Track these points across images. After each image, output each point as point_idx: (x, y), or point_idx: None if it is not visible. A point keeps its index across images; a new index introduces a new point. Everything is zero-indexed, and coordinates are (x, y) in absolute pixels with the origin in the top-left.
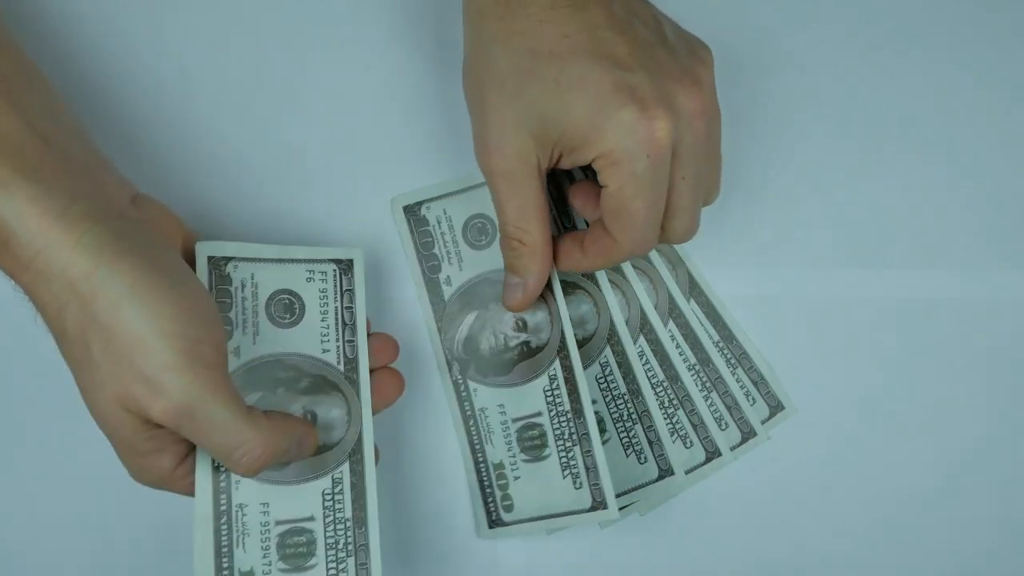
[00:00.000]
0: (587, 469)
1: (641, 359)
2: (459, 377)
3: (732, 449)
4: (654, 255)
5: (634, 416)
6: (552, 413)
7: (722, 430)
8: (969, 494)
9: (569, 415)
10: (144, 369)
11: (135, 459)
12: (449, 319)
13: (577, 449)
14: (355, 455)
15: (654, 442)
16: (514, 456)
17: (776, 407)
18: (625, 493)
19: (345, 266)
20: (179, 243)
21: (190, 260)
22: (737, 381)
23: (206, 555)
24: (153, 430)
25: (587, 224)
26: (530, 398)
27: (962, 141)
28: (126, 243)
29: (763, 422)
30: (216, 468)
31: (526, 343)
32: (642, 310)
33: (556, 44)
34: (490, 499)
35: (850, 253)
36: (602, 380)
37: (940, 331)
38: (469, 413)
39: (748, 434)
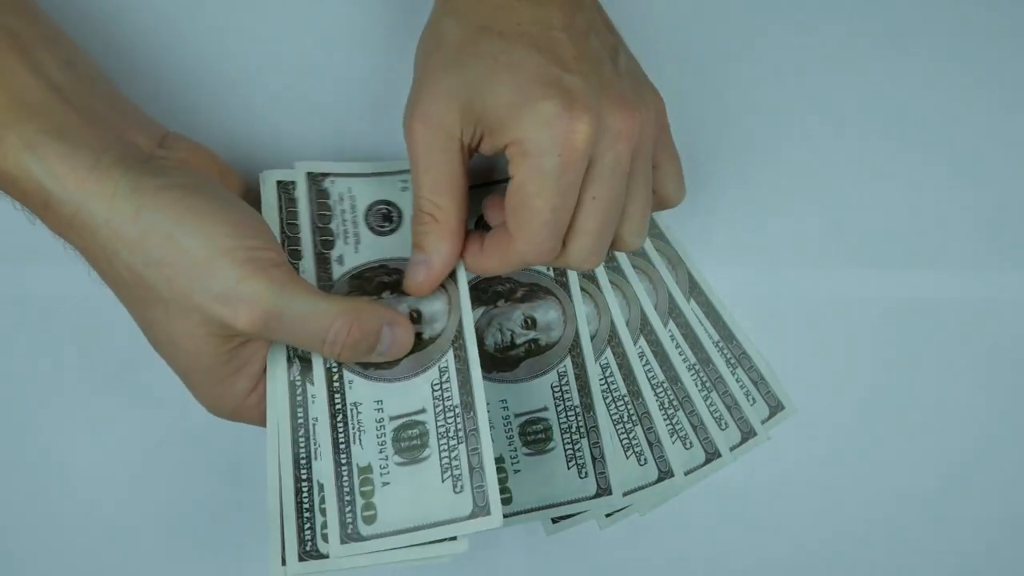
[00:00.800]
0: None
1: (641, 360)
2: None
3: (732, 449)
4: (654, 255)
5: (634, 418)
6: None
7: (722, 430)
8: (969, 494)
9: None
10: (219, 288)
11: (214, 387)
12: None
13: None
14: (457, 341)
15: (654, 443)
16: (516, 450)
17: (776, 407)
18: (625, 494)
19: None
20: (215, 175)
21: (235, 191)
22: (737, 381)
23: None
24: (233, 350)
25: None
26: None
27: (962, 141)
28: (162, 180)
29: (763, 422)
30: (329, 369)
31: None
32: (642, 310)
33: (507, 27)
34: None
35: (850, 253)
36: (602, 382)
37: (940, 331)
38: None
39: (748, 434)
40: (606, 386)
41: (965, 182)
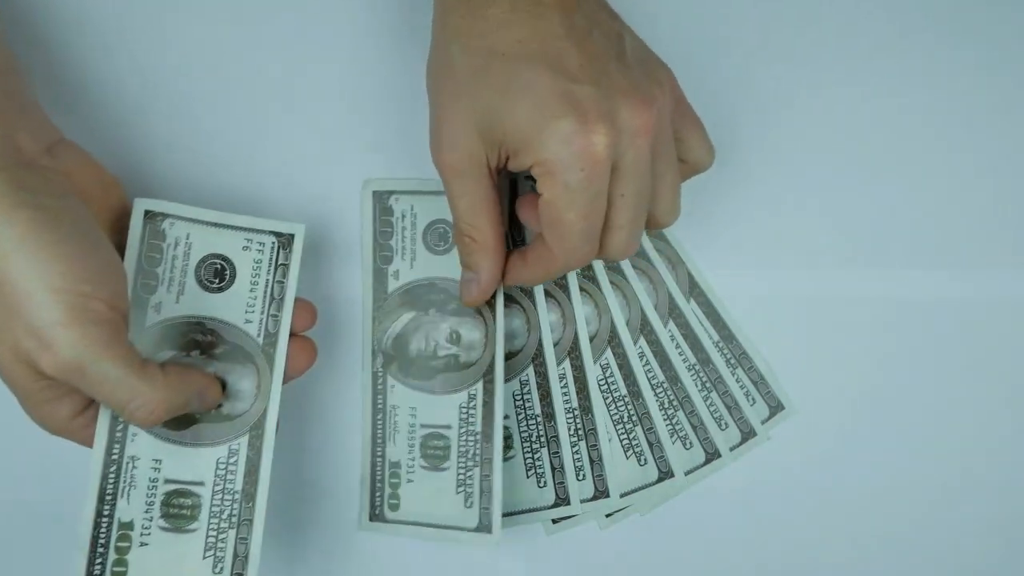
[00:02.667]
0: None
1: (641, 360)
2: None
3: (732, 449)
4: (654, 255)
5: (635, 418)
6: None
7: (722, 430)
8: (969, 494)
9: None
10: (33, 323)
11: (34, 408)
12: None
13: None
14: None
15: (654, 444)
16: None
17: (776, 407)
18: (625, 495)
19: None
20: (97, 194)
21: (113, 211)
22: (737, 381)
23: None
24: (47, 380)
25: None
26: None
27: (962, 141)
28: (25, 195)
29: (763, 422)
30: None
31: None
32: (642, 311)
33: (510, 47)
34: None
35: (850, 253)
36: (603, 382)
37: (940, 331)
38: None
39: (748, 434)
40: (606, 386)
41: (965, 182)
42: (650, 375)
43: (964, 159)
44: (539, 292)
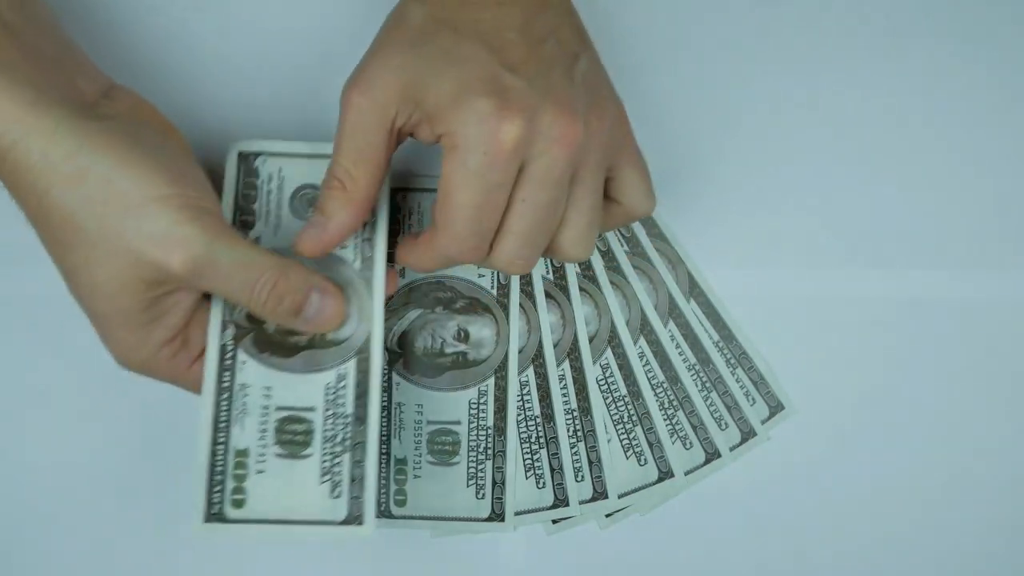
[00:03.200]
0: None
1: (641, 360)
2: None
3: (732, 449)
4: (654, 255)
5: (635, 418)
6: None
7: (722, 430)
8: (969, 494)
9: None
10: (155, 230)
11: (130, 334)
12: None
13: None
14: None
15: (654, 444)
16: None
17: (776, 407)
18: (625, 495)
19: None
20: (158, 130)
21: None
22: (737, 381)
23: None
24: (156, 298)
25: None
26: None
27: (962, 141)
28: (104, 123)
29: (763, 422)
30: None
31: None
32: (642, 311)
33: (464, 24)
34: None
35: (850, 253)
36: (603, 382)
37: (940, 331)
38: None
39: (748, 434)
40: (606, 386)
41: (965, 182)
42: (650, 375)
43: (964, 159)
44: (539, 293)
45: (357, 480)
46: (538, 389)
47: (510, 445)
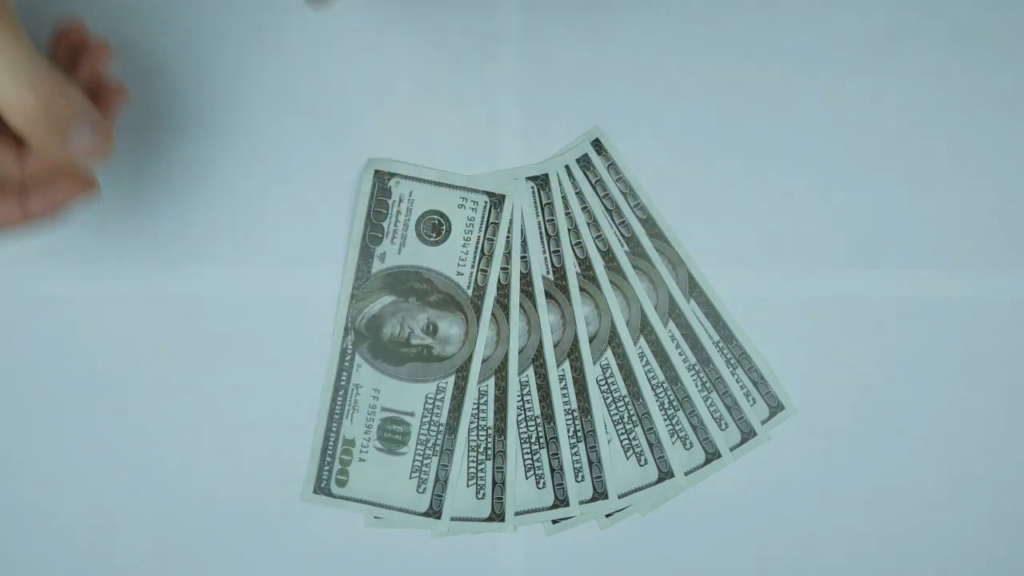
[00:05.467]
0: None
1: (641, 360)
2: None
3: (732, 449)
4: (654, 255)
5: (635, 418)
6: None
7: (722, 430)
8: (969, 494)
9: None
10: None
11: None
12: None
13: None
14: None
15: (654, 444)
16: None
17: (776, 407)
18: (625, 495)
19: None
20: None
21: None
22: (737, 381)
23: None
24: None
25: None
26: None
27: (962, 141)
28: None
29: (763, 422)
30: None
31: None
32: (642, 311)
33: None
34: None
35: (850, 253)
36: (602, 382)
37: (940, 331)
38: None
39: (748, 434)
40: (606, 386)
41: (965, 182)
42: (650, 375)
43: (964, 159)
44: (539, 293)
45: (440, 481)
46: (538, 389)
47: (510, 445)
